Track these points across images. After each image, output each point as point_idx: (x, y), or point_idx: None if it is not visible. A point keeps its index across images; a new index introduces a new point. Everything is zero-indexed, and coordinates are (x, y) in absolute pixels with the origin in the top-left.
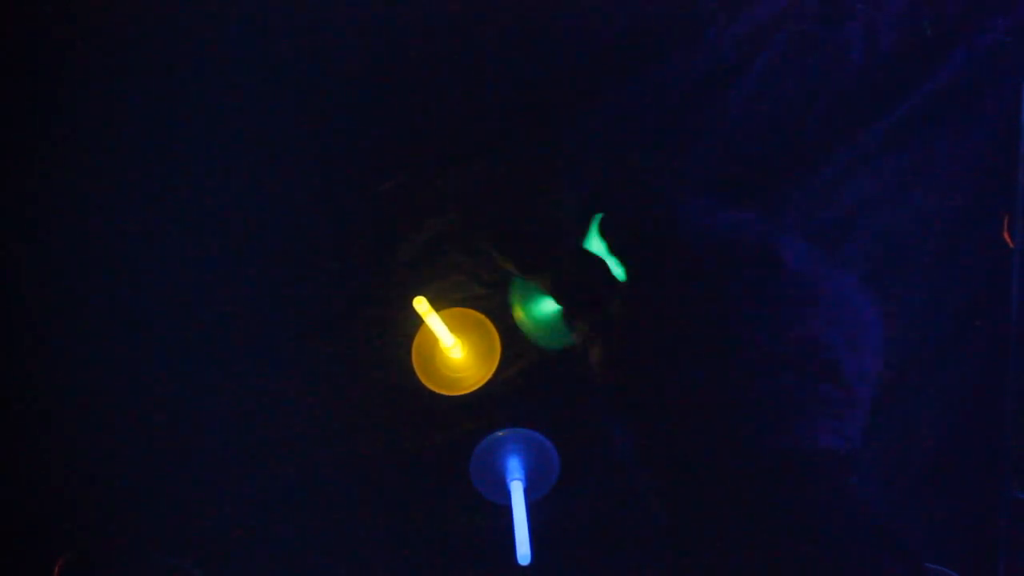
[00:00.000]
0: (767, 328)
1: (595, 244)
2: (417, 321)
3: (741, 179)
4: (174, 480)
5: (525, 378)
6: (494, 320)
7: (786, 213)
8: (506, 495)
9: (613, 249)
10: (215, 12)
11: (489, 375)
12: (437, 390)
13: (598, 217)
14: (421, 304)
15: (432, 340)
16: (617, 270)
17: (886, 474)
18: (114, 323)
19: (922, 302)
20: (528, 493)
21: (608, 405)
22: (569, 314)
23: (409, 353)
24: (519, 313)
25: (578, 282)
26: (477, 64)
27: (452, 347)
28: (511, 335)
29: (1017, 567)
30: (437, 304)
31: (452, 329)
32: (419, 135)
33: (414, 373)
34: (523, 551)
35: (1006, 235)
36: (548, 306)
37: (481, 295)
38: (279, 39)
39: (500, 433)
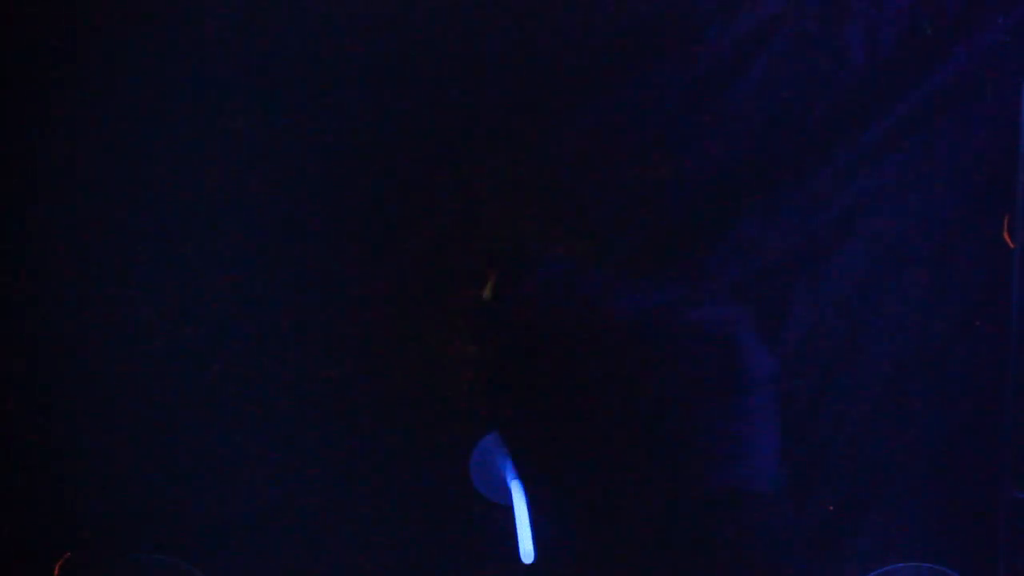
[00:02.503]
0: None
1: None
2: (417, 321)
3: (741, 179)
4: (175, 481)
5: None
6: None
7: (785, 213)
8: (506, 495)
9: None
10: (215, 14)
11: None
12: None
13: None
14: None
15: None
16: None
17: (886, 473)
18: (115, 326)
19: (922, 302)
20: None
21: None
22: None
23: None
24: None
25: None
26: (477, 64)
27: None
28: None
29: (1017, 567)
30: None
31: None
32: (419, 135)
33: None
34: (527, 549)
35: (1006, 235)
36: None
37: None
38: (280, 41)
39: None
